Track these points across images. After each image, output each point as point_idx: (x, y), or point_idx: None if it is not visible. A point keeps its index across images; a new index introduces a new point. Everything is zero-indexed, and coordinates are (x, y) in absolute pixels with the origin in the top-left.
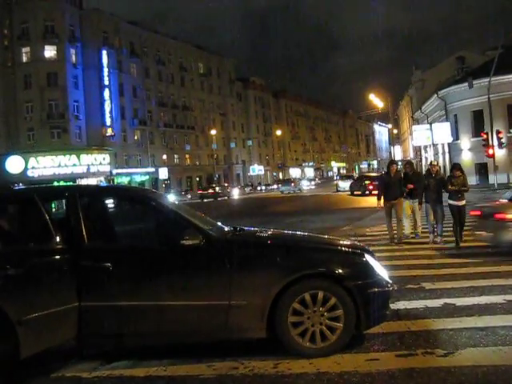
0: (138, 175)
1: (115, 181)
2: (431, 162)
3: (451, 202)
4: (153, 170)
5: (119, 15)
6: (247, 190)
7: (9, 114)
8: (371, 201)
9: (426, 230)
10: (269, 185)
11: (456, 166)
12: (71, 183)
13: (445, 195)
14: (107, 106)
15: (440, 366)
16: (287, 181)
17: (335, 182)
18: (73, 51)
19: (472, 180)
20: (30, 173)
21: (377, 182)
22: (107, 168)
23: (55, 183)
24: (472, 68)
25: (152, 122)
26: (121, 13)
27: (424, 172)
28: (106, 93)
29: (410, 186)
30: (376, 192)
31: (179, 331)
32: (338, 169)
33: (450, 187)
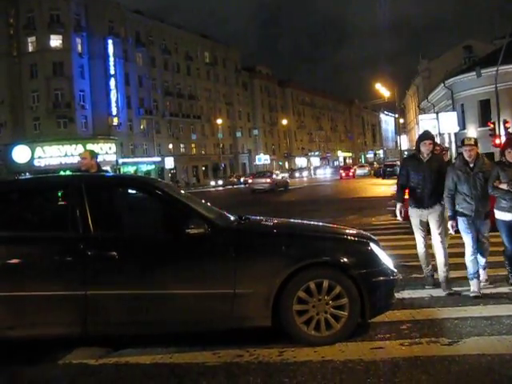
0: (143, 164)
1: (121, 170)
2: (464, 141)
3: (500, 214)
4: (159, 159)
5: (125, 4)
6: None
7: (15, 103)
8: (378, 190)
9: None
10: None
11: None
12: (77, 172)
13: None
14: (113, 96)
15: (444, 354)
16: (362, 166)
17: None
18: (78, 40)
19: None
20: (36, 162)
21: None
22: (113, 157)
23: (61, 172)
24: (479, 57)
25: (158, 112)
26: (128, 2)
27: (454, 159)
28: (112, 82)
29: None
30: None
31: (185, 319)
32: (344, 158)
33: (495, 184)
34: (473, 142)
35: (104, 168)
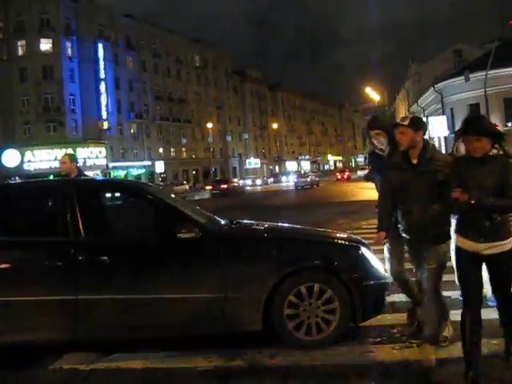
0: (134, 168)
1: (111, 174)
2: (405, 117)
3: (462, 242)
4: (149, 163)
5: (117, 9)
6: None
7: (4, 107)
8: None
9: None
10: None
11: (470, 127)
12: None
13: None
14: (103, 100)
15: (435, 357)
16: (363, 168)
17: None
18: (68, 44)
19: None
20: (26, 166)
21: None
22: (103, 161)
23: (51, 177)
24: (469, 61)
25: (148, 116)
26: (118, 6)
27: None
28: (102, 86)
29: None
30: None
31: (175, 324)
32: (335, 162)
33: (454, 194)
34: (406, 123)
35: (94, 172)
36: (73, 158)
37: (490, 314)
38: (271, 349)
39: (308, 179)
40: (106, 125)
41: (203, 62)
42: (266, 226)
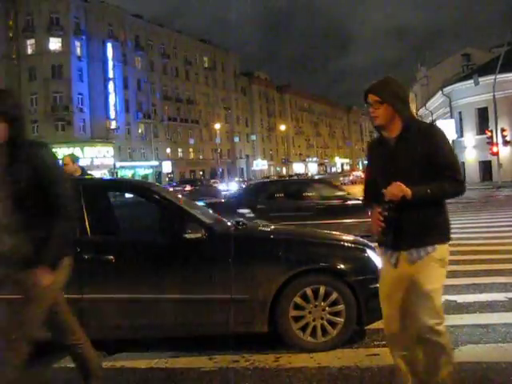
0: (141, 168)
1: (119, 174)
2: None
3: None
4: (156, 163)
5: (126, 9)
6: None
7: None
8: None
9: None
10: None
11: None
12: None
13: None
14: (111, 99)
15: None
16: None
17: None
18: (77, 44)
19: (475, 177)
20: None
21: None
22: (111, 161)
23: None
24: (477, 65)
25: (156, 116)
26: (128, 6)
27: None
28: (111, 86)
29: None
30: None
31: (181, 324)
32: (342, 164)
33: None
34: None
35: (101, 172)
36: (74, 158)
37: (494, 318)
38: (276, 350)
39: None
40: (113, 124)
41: (212, 63)
42: (272, 227)
